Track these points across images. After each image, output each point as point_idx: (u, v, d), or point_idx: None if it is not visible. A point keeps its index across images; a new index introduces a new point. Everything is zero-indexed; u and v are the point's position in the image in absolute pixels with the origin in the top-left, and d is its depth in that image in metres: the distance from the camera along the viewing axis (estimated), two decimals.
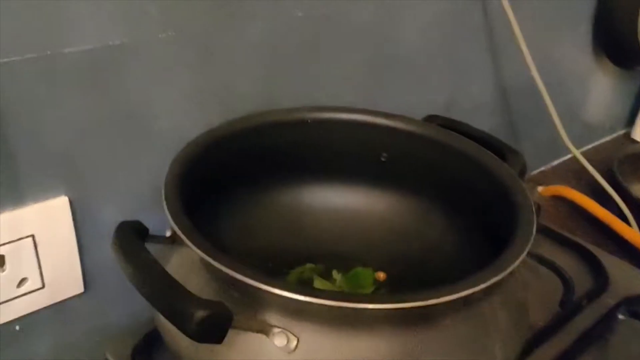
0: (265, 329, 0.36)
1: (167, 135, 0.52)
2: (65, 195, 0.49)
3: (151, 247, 0.40)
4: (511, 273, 0.39)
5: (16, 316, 0.49)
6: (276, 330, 0.36)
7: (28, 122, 0.45)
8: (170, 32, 0.49)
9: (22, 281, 0.49)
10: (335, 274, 0.55)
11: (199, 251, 0.37)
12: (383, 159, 0.58)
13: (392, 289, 0.54)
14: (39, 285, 0.49)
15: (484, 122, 0.77)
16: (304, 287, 0.35)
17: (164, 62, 0.50)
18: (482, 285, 0.37)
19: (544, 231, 0.70)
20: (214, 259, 0.36)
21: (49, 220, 0.48)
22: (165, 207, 0.40)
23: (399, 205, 0.59)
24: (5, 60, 0.42)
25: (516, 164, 0.52)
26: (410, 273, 0.53)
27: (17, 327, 0.50)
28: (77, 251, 0.51)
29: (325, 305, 0.35)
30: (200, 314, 0.32)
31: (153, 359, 0.51)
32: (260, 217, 0.57)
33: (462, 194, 0.54)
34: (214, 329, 0.33)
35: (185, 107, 0.52)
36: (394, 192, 0.59)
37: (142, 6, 0.47)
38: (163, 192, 0.42)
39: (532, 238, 0.42)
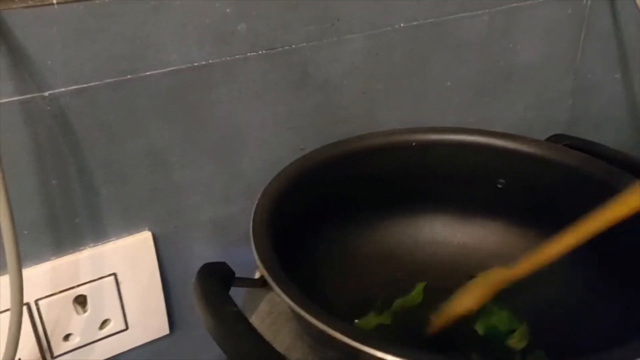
0: None
1: (258, 164, 0.47)
2: (149, 230, 0.45)
3: (239, 291, 0.35)
4: None
5: (98, 357, 0.46)
6: None
7: (108, 151, 0.42)
8: (261, 51, 0.45)
9: (105, 322, 0.45)
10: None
11: (290, 302, 0.32)
12: (500, 186, 0.50)
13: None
14: (123, 326, 0.46)
15: (611, 140, 0.68)
16: (417, 350, 0.29)
17: (254, 83, 0.45)
18: None
19: None
20: (309, 312, 0.31)
21: (132, 257, 0.45)
22: (253, 248, 0.35)
23: (515, 239, 0.51)
24: (83, 86, 0.38)
25: None
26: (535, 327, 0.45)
27: None
28: (162, 290, 0.47)
29: None
30: None
31: None
32: (360, 250, 0.51)
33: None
34: None
35: (278, 132, 0.48)
36: (511, 224, 0.51)
37: (230, 24, 0.42)
38: (251, 231, 0.37)
39: None
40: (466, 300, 0.41)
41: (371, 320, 0.47)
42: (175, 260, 0.47)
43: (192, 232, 0.47)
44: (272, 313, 0.36)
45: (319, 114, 0.49)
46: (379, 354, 0.28)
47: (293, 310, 0.32)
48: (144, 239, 0.45)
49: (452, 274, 0.51)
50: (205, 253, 0.48)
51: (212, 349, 0.49)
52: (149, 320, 0.47)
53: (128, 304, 0.46)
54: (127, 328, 0.46)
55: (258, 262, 0.35)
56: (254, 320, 0.38)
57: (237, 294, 0.36)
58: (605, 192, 0.44)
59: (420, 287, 0.49)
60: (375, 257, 0.51)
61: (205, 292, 0.33)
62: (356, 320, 0.46)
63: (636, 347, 0.29)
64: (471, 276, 0.51)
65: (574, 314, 0.42)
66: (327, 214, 0.47)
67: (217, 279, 0.34)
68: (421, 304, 0.49)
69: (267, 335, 0.37)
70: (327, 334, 0.30)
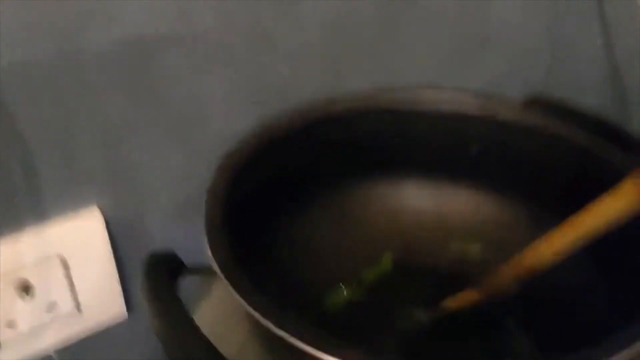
0: None
1: (221, 140, 0.44)
2: (100, 209, 0.42)
3: (191, 280, 0.32)
4: None
5: (49, 344, 0.43)
6: None
7: (54, 127, 0.38)
8: (221, 21, 0.40)
9: (54, 306, 0.42)
10: None
11: (243, 301, 0.29)
12: (473, 152, 0.47)
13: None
14: (74, 311, 0.43)
15: (591, 105, 0.65)
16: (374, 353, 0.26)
17: (214, 55, 0.42)
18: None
19: None
20: (263, 314, 0.28)
21: (81, 238, 0.42)
22: (206, 237, 0.32)
23: (491, 209, 0.49)
24: (27, 58, 0.34)
25: None
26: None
27: (54, 357, 0.44)
28: (117, 272, 0.44)
29: None
30: None
31: None
32: (328, 223, 0.48)
33: (573, 197, 0.43)
34: None
35: (241, 106, 0.45)
36: (485, 193, 0.49)
37: None
38: (205, 215, 0.34)
39: None
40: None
41: (341, 296, 0.45)
42: (131, 241, 0.44)
43: (150, 212, 0.44)
44: (223, 304, 0.33)
45: (285, 86, 0.46)
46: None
47: (244, 309, 0.29)
48: (93, 218, 0.42)
49: (426, 243, 0.49)
50: (166, 234, 0.45)
51: None
52: (104, 304, 0.45)
53: (80, 287, 0.43)
54: (79, 312, 0.43)
55: (207, 249, 0.32)
56: (207, 308, 0.36)
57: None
58: (585, 160, 0.42)
59: (387, 255, 0.47)
60: (344, 229, 0.49)
61: (150, 289, 0.30)
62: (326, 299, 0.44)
63: (625, 337, 0.27)
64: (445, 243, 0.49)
65: (563, 302, 0.41)
66: (291, 187, 0.44)
67: (164, 271, 0.32)
68: (391, 274, 0.47)
69: (220, 328, 0.34)
70: (279, 336, 0.27)
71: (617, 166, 0.40)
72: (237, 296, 0.29)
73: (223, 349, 0.34)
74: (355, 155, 0.47)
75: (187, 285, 0.34)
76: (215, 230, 0.33)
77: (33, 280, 0.41)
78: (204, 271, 0.35)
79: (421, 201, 0.51)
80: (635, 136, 0.44)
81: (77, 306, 0.43)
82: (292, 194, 0.45)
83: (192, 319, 0.28)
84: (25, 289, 0.41)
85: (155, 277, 0.31)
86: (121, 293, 0.45)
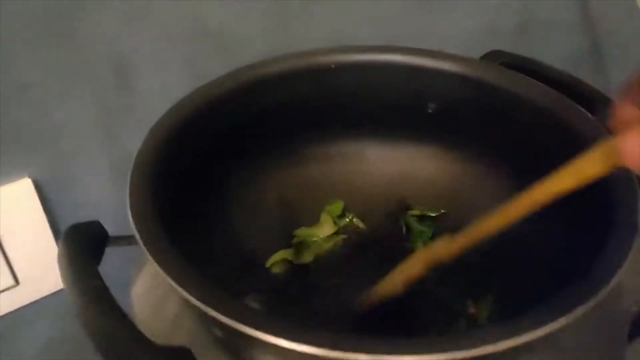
0: None
1: (152, 97, 0.41)
2: (29, 177, 0.39)
3: (118, 251, 0.31)
4: None
5: None
6: None
7: None
8: None
9: None
10: None
11: (168, 278, 0.27)
12: (430, 111, 0.46)
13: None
14: (11, 282, 0.41)
15: (563, 44, 0.63)
16: (307, 331, 0.25)
17: (139, 2, 0.38)
18: (569, 318, 0.25)
19: None
20: (187, 290, 0.26)
21: (11, 207, 0.39)
22: (128, 206, 0.30)
23: (449, 167, 0.47)
24: None
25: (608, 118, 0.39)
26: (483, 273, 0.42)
27: None
28: (55, 241, 0.42)
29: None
30: None
31: None
32: (278, 185, 0.46)
33: (532, 157, 0.41)
34: None
35: (173, 60, 0.41)
36: (443, 151, 0.47)
37: None
38: (129, 182, 0.32)
39: (636, 237, 0.30)
40: (396, 280, 0.36)
41: (281, 257, 0.43)
42: (66, 208, 0.42)
43: (82, 177, 0.42)
44: (154, 279, 0.32)
45: (223, 36, 0.43)
46: (269, 339, 0.24)
47: (170, 285, 0.27)
48: (23, 186, 0.39)
49: (382, 205, 0.48)
50: (101, 199, 0.43)
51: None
52: (43, 274, 0.43)
53: (15, 258, 0.41)
54: (17, 284, 0.42)
55: (130, 218, 0.30)
56: (139, 285, 0.34)
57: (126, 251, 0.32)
58: (546, 120, 0.40)
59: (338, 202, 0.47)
60: (299, 192, 0.47)
61: (68, 262, 0.28)
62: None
63: (584, 291, 0.27)
64: (407, 207, 0.48)
65: (522, 259, 0.39)
66: (233, 151, 0.42)
67: (84, 244, 0.30)
68: (343, 242, 0.46)
69: (150, 305, 0.33)
70: (204, 311, 0.25)
71: (581, 129, 0.38)
72: (160, 271, 0.27)
73: (156, 322, 0.33)
74: (311, 115, 0.45)
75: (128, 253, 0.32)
76: (139, 198, 0.31)
77: None
78: (127, 241, 0.33)
79: (382, 162, 0.49)
80: (603, 96, 0.42)
81: (15, 278, 0.41)
82: (242, 153, 0.43)
83: (109, 293, 0.26)
84: None
85: (74, 249, 0.29)
86: None
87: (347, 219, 0.47)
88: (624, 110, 0.27)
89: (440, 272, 0.38)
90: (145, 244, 0.28)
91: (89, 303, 0.26)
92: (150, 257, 0.28)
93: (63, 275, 0.28)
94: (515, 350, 0.25)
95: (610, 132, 0.28)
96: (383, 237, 0.46)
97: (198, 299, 0.26)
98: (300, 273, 0.43)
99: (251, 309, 0.27)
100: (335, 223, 0.47)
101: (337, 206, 0.47)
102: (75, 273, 0.28)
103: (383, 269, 0.38)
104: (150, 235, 0.29)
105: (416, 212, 0.47)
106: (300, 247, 0.44)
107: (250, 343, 0.27)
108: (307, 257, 0.44)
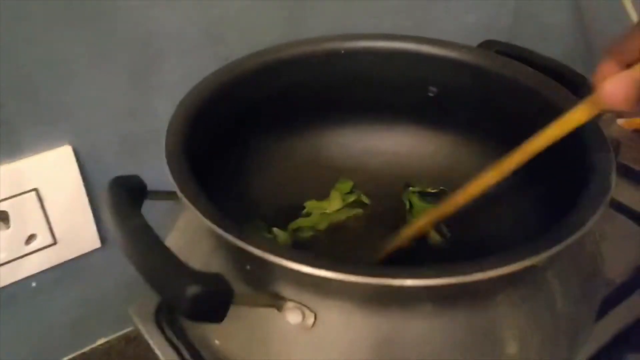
0: (277, 304, 0.31)
1: (178, 76, 0.46)
2: (69, 144, 0.44)
3: (154, 205, 0.35)
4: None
5: (29, 274, 0.46)
6: (290, 305, 0.31)
7: (7, 62, 0.39)
8: None
9: (31, 238, 0.45)
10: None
11: (203, 218, 0.31)
12: (430, 94, 0.50)
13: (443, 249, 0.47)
14: (50, 241, 0.46)
15: (555, 46, 0.67)
16: (326, 260, 0.29)
17: None
18: (547, 253, 0.30)
19: (623, 172, 0.60)
20: (219, 226, 0.30)
21: (53, 172, 0.44)
22: (166, 162, 0.35)
23: (448, 147, 0.52)
24: None
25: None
26: (460, 229, 0.46)
27: (34, 284, 0.47)
28: (89, 204, 0.46)
29: (351, 282, 0.28)
30: (192, 290, 0.27)
31: (177, 318, 0.47)
32: (289, 161, 0.51)
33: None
34: (210, 307, 0.28)
35: (198, 41, 0.46)
36: (443, 132, 0.52)
37: None
38: (165, 144, 0.36)
39: (610, 190, 0.34)
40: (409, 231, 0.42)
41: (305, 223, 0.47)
42: (99, 175, 0.46)
43: (115, 145, 0.46)
44: (188, 229, 0.36)
45: (242, 20, 0.47)
46: (295, 266, 0.28)
47: (205, 225, 0.31)
48: (64, 153, 0.44)
49: (386, 183, 0.52)
50: (130, 167, 0.47)
51: None
52: (78, 234, 0.47)
53: (54, 219, 0.45)
54: (55, 243, 0.46)
55: (169, 174, 0.34)
56: (173, 235, 0.38)
57: (158, 208, 0.36)
58: (535, 102, 0.44)
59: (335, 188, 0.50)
60: (305, 168, 0.51)
61: (113, 205, 0.33)
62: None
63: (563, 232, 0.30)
64: (407, 185, 0.52)
65: (492, 211, 0.44)
66: (251, 129, 0.46)
67: (127, 192, 0.34)
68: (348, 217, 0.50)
69: (184, 251, 0.37)
70: (238, 246, 0.30)
71: (563, 104, 0.41)
72: (197, 213, 0.31)
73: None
74: (319, 97, 0.49)
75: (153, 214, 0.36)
76: (175, 157, 0.35)
77: (11, 214, 0.43)
78: (164, 196, 0.37)
79: (384, 143, 0.53)
80: (586, 80, 0.46)
81: (53, 237, 0.46)
82: (256, 131, 0.47)
83: (151, 229, 0.31)
84: (4, 220, 0.43)
85: (118, 195, 0.33)
86: (94, 223, 0.47)
87: (355, 197, 0.50)
88: (606, 68, 0.31)
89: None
90: (182, 190, 0.33)
91: (135, 238, 0.30)
92: (186, 201, 0.32)
93: (110, 217, 0.32)
94: (501, 279, 0.29)
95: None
96: (387, 212, 0.50)
97: (234, 235, 0.30)
98: (313, 241, 0.47)
99: (277, 243, 0.31)
100: (343, 200, 0.50)
101: (347, 185, 0.51)
102: (120, 214, 0.32)
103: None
104: (186, 185, 0.33)
105: (417, 189, 0.51)
106: (314, 217, 0.49)
107: (278, 274, 0.31)
108: (322, 226, 0.48)
